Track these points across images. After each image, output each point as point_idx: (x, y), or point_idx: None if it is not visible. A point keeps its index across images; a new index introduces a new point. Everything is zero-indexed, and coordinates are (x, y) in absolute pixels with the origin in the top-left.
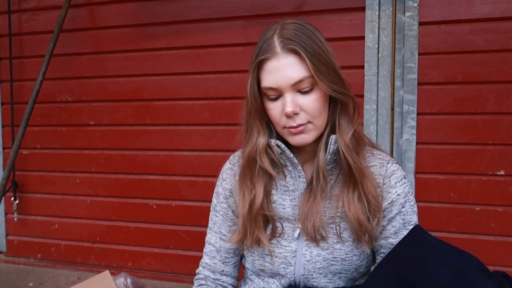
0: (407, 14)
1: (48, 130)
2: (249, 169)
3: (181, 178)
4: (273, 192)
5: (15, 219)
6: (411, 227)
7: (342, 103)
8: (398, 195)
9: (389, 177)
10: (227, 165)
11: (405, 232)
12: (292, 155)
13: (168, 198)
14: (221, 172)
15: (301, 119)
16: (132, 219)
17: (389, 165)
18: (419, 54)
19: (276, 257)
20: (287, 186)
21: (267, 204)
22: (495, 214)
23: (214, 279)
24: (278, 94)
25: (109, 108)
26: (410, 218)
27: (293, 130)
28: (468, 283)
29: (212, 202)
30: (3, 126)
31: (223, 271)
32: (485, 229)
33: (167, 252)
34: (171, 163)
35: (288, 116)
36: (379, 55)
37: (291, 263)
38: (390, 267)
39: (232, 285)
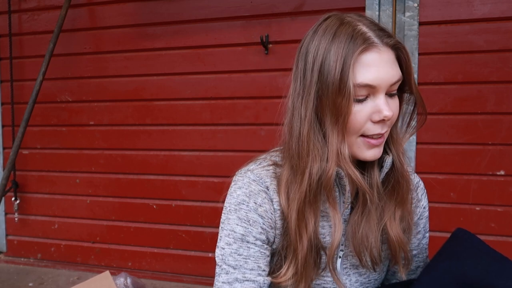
0: (407, 14)
1: (48, 130)
2: (317, 194)
3: (181, 178)
4: None
5: (16, 219)
6: (427, 234)
7: (399, 110)
8: (424, 208)
9: (416, 191)
10: (255, 186)
11: (424, 241)
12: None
13: (168, 198)
14: (248, 195)
15: (387, 125)
16: (132, 219)
17: (413, 176)
18: (419, 54)
19: None
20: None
21: (323, 241)
22: (495, 214)
23: None
24: (368, 94)
25: (109, 108)
26: (428, 227)
27: (373, 141)
28: None
29: (232, 231)
30: (3, 126)
31: None
32: (485, 229)
33: (167, 252)
34: (171, 163)
35: (380, 122)
36: None
37: None
38: (446, 267)
39: None
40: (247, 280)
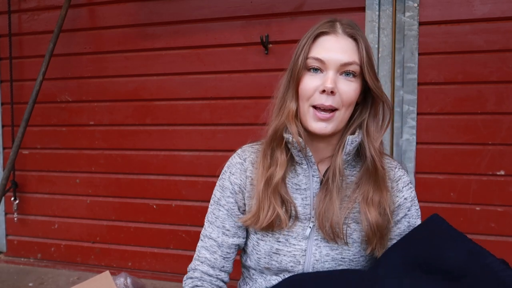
0: (407, 14)
1: (48, 130)
2: (272, 145)
3: (181, 178)
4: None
5: (15, 219)
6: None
7: (373, 106)
8: (405, 199)
9: (397, 182)
10: (236, 159)
11: None
12: (310, 153)
13: (168, 198)
14: (227, 166)
15: (334, 101)
16: (132, 219)
17: (396, 169)
18: (419, 54)
19: (284, 255)
20: (299, 185)
21: (285, 187)
22: (495, 214)
23: (211, 275)
24: (320, 69)
25: (109, 108)
26: (415, 222)
27: (319, 114)
28: (482, 264)
29: (213, 196)
30: (3, 126)
31: (223, 266)
32: (485, 229)
33: (167, 252)
34: (171, 163)
35: (325, 92)
36: (379, 55)
37: (300, 261)
38: (407, 249)
39: (226, 283)
40: (211, 239)
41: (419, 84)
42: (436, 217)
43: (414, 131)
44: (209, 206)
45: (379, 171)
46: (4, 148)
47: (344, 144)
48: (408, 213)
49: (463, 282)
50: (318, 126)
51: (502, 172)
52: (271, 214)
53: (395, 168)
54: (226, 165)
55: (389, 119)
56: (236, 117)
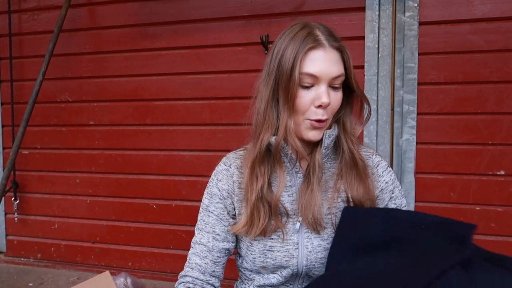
0: (407, 14)
1: (48, 130)
2: (262, 158)
3: (181, 178)
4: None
5: (15, 219)
6: (404, 209)
7: (349, 104)
8: (386, 183)
9: (376, 167)
10: (221, 166)
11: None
12: (290, 152)
13: (168, 198)
14: (214, 173)
15: (327, 113)
16: (132, 219)
17: (374, 156)
18: (419, 54)
19: (278, 251)
20: (284, 183)
21: (273, 196)
22: (495, 214)
23: (203, 280)
24: (313, 84)
25: (109, 108)
26: (401, 202)
27: (316, 124)
28: (399, 226)
29: (202, 203)
30: (3, 126)
31: (213, 271)
32: (485, 229)
33: (167, 252)
34: (171, 163)
35: (321, 107)
36: (379, 55)
37: (294, 255)
38: (345, 244)
39: None
40: (201, 244)
41: (419, 84)
42: (347, 208)
43: (414, 131)
44: (198, 214)
45: (359, 163)
46: (4, 148)
47: (322, 139)
48: (393, 196)
49: (394, 246)
50: (313, 134)
51: (502, 172)
52: (262, 223)
53: (372, 155)
54: (213, 173)
55: (368, 115)
56: (236, 117)
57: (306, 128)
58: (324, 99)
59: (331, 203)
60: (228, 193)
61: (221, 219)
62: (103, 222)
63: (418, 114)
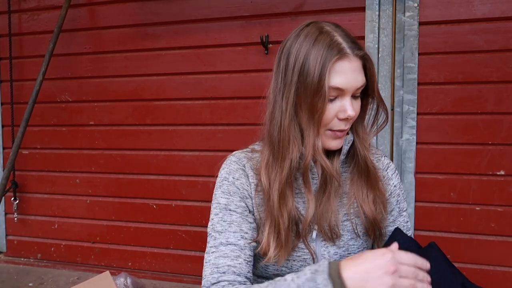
0: (407, 14)
1: (48, 130)
2: (291, 177)
3: (181, 178)
4: None
5: (15, 219)
6: (404, 213)
7: (362, 110)
8: (395, 186)
9: (386, 170)
10: (234, 165)
11: (400, 219)
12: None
13: (168, 198)
14: (227, 172)
15: (350, 123)
16: (132, 219)
17: (383, 158)
18: (419, 54)
19: (294, 260)
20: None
21: (301, 217)
22: (495, 214)
23: (240, 282)
24: (337, 96)
25: (109, 108)
26: (403, 205)
27: (339, 133)
28: None
29: (217, 204)
30: (3, 126)
31: (248, 272)
32: (485, 229)
33: (167, 252)
34: (171, 163)
35: (344, 120)
36: (379, 55)
37: (310, 264)
38: None
39: None
40: (230, 244)
41: (419, 84)
42: (434, 245)
43: (414, 131)
44: (214, 216)
45: (371, 169)
46: (4, 148)
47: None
48: (399, 199)
49: None
50: (335, 144)
51: (502, 172)
52: (290, 246)
53: (382, 157)
54: (224, 172)
55: (384, 121)
56: (236, 117)
57: (328, 138)
58: (350, 112)
59: (348, 209)
60: (247, 193)
61: (246, 216)
62: (103, 222)
63: (418, 114)
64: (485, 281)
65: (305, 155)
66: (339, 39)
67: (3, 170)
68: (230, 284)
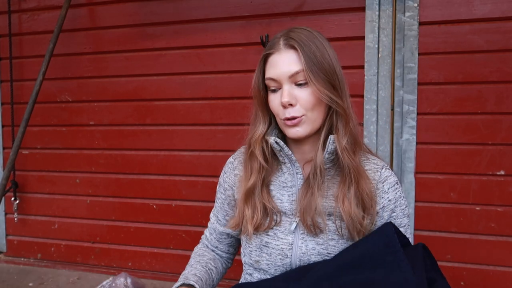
0: (407, 14)
1: (48, 130)
2: (249, 158)
3: (181, 178)
4: (272, 187)
5: (15, 219)
6: (402, 228)
7: (338, 108)
8: (389, 200)
9: (383, 183)
10: (230, 159)
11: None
12: (290, 152)
13: (168, 198)
14: (225, 164)
15: (295, 111)
16: (132, 219)
17: (383, 170)
18: (419, 54)
19: (273, 248)
20: (285, 182)
21: (267, 196)
22: (495, 214)
23: (209, 248)
24: (278, 86)
25: (109, 108)
26: (401, 221)
27: (288, 122)
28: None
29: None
30: (3, 126)
31: (217, 247)
32: (485, 229)
33: (167, 252)
34: (171, 163)
35: (284, 107)
36: (379, 55)
37: (287, 255)
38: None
39: (227, 260)
40: (210, 222)
41: (419, 84)
42: (420, 245)
43: (414, 131)
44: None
45: (346, 161)
46: (4, 148)
47: (325, 143)
48: (393, 215)
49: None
50: (292, 131)
51: (502, 172)
52: (255, 219)
53: (382, 168)
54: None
55: (350, 124)
56: (236, 117)
57: (284, 127)
58: (283, 98)
59: (331, 210)
60: (229, 185)
61: (222, 207)
62: (103, 222)
63: (418, 114)
64: (485, 281)
65: (257, 133)
66: (278, 35)
67: (3, 170)
68: (203, 245)
